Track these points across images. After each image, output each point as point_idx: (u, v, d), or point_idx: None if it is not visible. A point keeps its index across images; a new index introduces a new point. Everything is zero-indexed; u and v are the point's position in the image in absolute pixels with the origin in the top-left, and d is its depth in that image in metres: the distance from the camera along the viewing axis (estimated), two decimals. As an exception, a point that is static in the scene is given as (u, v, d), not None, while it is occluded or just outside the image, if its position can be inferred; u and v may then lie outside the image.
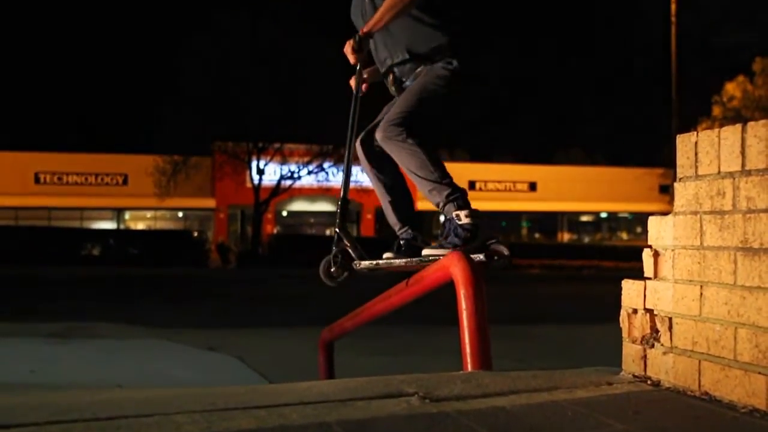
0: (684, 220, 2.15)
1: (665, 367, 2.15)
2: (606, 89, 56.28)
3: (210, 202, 36.99)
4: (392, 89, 3.47)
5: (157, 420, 1.72)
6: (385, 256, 3.30)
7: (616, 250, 33.20)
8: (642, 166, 40.13)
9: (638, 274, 2.33)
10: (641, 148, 41.94)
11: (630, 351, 2.31)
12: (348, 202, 3.46)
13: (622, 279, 2.40)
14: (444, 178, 3.16)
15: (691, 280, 2.10)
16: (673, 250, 2.18)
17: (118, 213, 37.79)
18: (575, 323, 9.30)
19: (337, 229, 3.37)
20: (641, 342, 2.26)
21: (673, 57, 24.19)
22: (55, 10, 56.49)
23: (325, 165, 30.37)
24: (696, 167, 2.13)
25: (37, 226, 30.99)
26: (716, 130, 2.07)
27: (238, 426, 1.67)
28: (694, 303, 2.07)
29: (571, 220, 46.11)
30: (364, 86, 3.56)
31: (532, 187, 42.62)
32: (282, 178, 30.13)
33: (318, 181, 31.22)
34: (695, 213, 2.11)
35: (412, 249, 3.27)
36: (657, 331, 2.21)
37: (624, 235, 46.43)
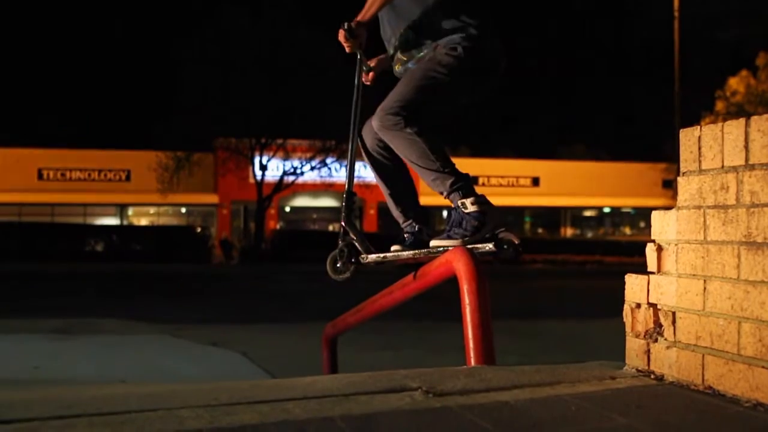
0: (687, 215, 2.14)
1: (669, 362, 2.15)
2: (609, 84, 56.15)
3: (213, 198, 37.02)
4: (397, 72, 3.31)
5: (161, 415, 1.72)
6: (393, 248, 3.23)
7: (620, 245, 33.20)
8: (645, 161, 40.09)
9: (642, 269, 2.33)
10: (644, 143, 41.93)
11: (633, 345, 2.31)
12: (353, 195, 3.39)
13: (626, 274, 2.40)
14: (446, 167, 3.04)
15: (694, 275, 2.09)
16: (676, 245, 2.18)
17: (121, 209, 37.83)
18: (578, 318, 9.30)
19: (342, 223, 3.32)
20: (645, 336, 2.26)
21: (676, 52, 24.12)
22: (58, 6, 56.48)
23: (328, 161, 30.37)
24: (699, 162, 2.13)
25: (41, 222, 31.02)
26: (720, 124, 2.07)
27: (242, 421, 1.67)
28: (697, 297, 2.07)
29: (574, 215, 46.07)
30: (370, 75, 3.45)
31: (535, 182, 42.62)
32: (285, 173, 30.14)
33: (321, 176, 31.21)
34: (699, 207, 2.10)
35: (418, 242, 3.20)
36: (660, 326, 2.21)
37: (627, 230, 46.41)
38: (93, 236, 27.26)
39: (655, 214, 2.30)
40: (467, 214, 2.98)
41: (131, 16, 56.01)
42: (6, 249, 23.15)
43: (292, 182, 30.89)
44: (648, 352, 2.24)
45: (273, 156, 29.95)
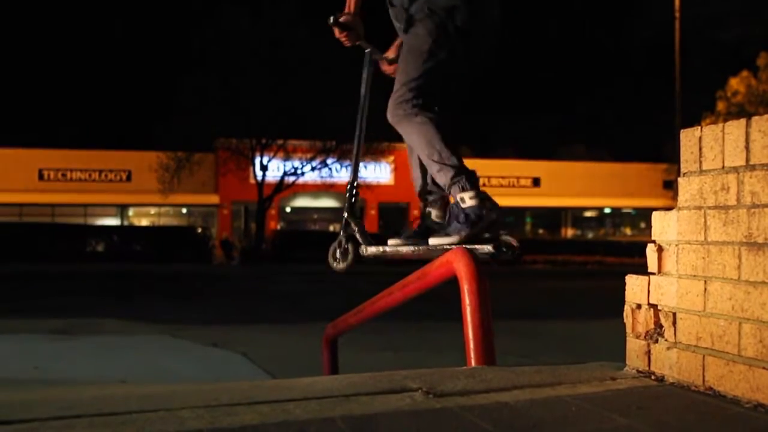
0: (688, 215, 2.14)
1: (669, 363, 2.15)
2: (609, 84, 56.19)
3: (213, 199, 37.04)
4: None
5: (161, 415, 1.72)
6: (390, 242, 3.17)
7: (620, 246, 33.21)
8: (646, 162, 40.14)
9: (642, 270, 2.33)
10: (645, 143, 41.99)
11: (634, 346, 2.31)
12: (357, 187, 3.33)
13: (626, 274, 2.39)
14: (450, 159, 2.93)
15: (695, 275, 2.09)
16: (677, 245, 2.18)
17: (121, 209, 37.87)
18: (579, 319, 9.30)
19: (345, 214, 3.27)
20: (645, 337, 2.26)
21: (677, 52, 24.14)
22: (59, 8, 56.50)
23: (329, 161, 30.39)
24: (700, 162, 2.12)
25: (41, 222, 31.04)
26: (720, 124, 2.06)
27: (242, 421, 1.67)
28: (698, 298, 2.07)
29: (574, 215, 46.11)
30: (385, 68, 3.37)
31: (536, 182, 42.65)
32: (285, 174, 30.17)
33: (321, 177, 31.23)
34: (699, 208, 2.10)
35: (424, 231, 3.13)
36: (661, 327, 2.21)
37: (628, 231, 46.45)
38: (94, 236, 27.27)
39: (655, 215, 2.30)
40: (464, 208, 2.90)
41: (131, 17, 56.04)
42: (6, 249, 23.15)
43: (293, 183, 30.92)
44: (648, 353, 2.24)
45: (273, 156, 29.98)
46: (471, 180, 2.95)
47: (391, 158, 31.37)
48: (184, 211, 39.43)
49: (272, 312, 10.54)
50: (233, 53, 27.02)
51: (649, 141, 41.15)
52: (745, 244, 1.92)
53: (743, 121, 1.97)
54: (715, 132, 2.07)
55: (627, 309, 2.35)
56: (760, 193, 1.89)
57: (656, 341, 2.21)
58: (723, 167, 2.03)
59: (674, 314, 2.15)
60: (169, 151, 29.12)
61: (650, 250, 2.28)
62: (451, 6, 2.93)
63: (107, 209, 37.52)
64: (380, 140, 28.18)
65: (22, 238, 25.27)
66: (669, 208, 2.26)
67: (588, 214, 47.13)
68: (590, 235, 45.30)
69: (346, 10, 3.11)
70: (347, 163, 30.48)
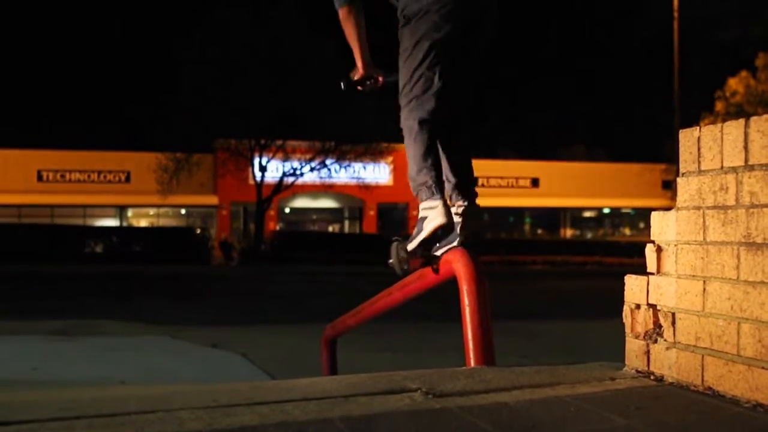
0: (687, 216, 2.14)
1: (668, 363, 2.15)
2: (609, 84, 56.23)
3: (212, 199, 37.02)
4: None
5: (160, 416, 1.72)
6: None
7: (619, 246, 33.20)
8: (644, 162, 40.13)
9: (641, 270, 2.33)
10: (644, 143, 42.00)
11: (633, 346, 2.31)
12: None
13: (625, 274, 2.39)
14: (424, 164, 2.81)
15: (694, 276, 2.09)
16: (676, 246, 2.18)
17: (120, 210, 37.84)
18: (578, 319, 9.30)
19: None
20: (644, 337, 2.26)
21: (676, 52, 24.15)
22: (58, 7, 56.50)
23: (328, 162, 30.38)
24: (699, 162, 2.13)
25: (40, 223, 31.03)
26: (719, 125, 2.07)
27: (241, 422, 1.67)
28: (697, 298, 2.07)
29: (573, 215, 46.11)
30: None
31: (535, 183, 42.64)
32: (284, 174, 30.15)
33: (320, 177, 31.22)
34: (698, 208, 2.10)
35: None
36: (660, 327, 2.21)
37: (627, 231, 46.46)
38: (93, 237, 27.27)
39: (654, 215, 2.30)
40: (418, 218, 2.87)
41: (131, 16, 56.05)
42: (5, 250, 23.13)
43: (292, 183, 30.91)
44: (648, 353, 2.24)
45: (272, 157, 29.96)
46: (435, 190, 2.83)
47: (390, 159, 31.38)
48: (183, 212, 39.41)
49: (271, 313, 10.54)
50: (233, 53, 27.00)
51: (648, 141, 41.18)
52: (744, 244, 1.92)
53: (742, 121, 1.97)
54: (714, 132, 2.07)
55: (626, 309, 2.35)
56: (758, 193, 1.89)
57: (655, 341, 2.21)
58: (722, 167, 2.03)
59: (673, 314, 2.15)
60: (168, 152, 29.10)
61: (649, 251, 2.28)
62: (423, 11, 2.86)
63: (106, 210, 37.50)
64: (378, 141, 28.22)
65: (21, 240, 25.26)
66: (668, 209, 2.26)
67: (587, 214, 47.14)
68: (589, 236, 45.31)
69: (355, 76, 3.13)
70: (346, 163, 30.51)
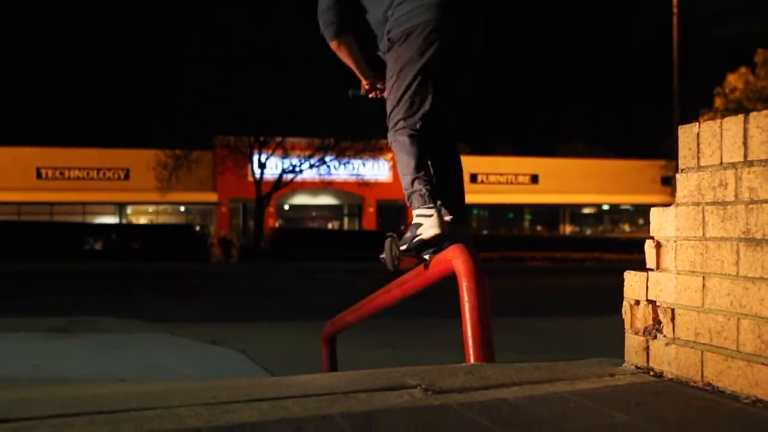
0: (686, 211, 2.14)
1: (668, 359, 2.15)
2: (608, 81, 56.20)
3: (212, 196, 37.01)
4: None
5: (160, 413, 1.72)
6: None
7: (618, 242, 33.23)
8: (644, 158, 40.16)
9: (640, 266, 2.33)
10: (643, 140, 41.99)
11: (632, 342, 2.31)
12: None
13: (625, 271, 2.39)
14: (417, 176, 2.91)
15: (693, 271, 2.09)
16: (675, 242, 2.18)
17: (120, 207, 37.84)
18: (577, 315, 9.30)
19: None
20: (644, 333, 2.26)
21: (675, 48, 24.15)
22: (58, 5, 56.43)
23: (327, 159, 30.35)
24: (698, 158, 2.12)
25: (40, 221, 31.01)
26: (718, 120, 2.06)
27: (241, 419, 1.67)
28: (696, 294, 2.07)
29: (573, 212, 46.14)
30: None
31: (534, 179, 42.63)
32: (284, 171, 30.13)
33: (320, 174, 31.20)
34: (697, 204, 2.10)
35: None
36: (659, 323, 2.21)
37: (626, 227, 46.50)
38: (92, 235, 27.26)
39: (653, 211, 2.30)
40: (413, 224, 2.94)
41: (131, 15, 55.97)
42: (5, 248, 23.12)
43: (291, 180, 30.91)
44: (647, 348, 2.24)
45: (272, 154, 29.94)
46: (426, 198, 2.92)
47: (389, 156, 31.35)
48: (183, 209, 39.40)
49: (271, 309, 10.54)
50: (232, 51, 26.95)
51: (647, 137, 41.18)
52: (744, 239, 1.92)
53: (741, 117, 1.97)
54: (713, 128, 2.07)
55: (625, 305, 2.35)
56: (758, 188, 1.89)
57: (655, 337, 2.21)
58: (721, 163, 2.03)
59: (673, 310, 2.15)
60: (167, 149, 29.07)
61: (648, 247, 2.28)
62: (407, 34, 2.88)
63: (105, 207, 37.49)
64: (378, 138, 28.19)
65: (20, 237, 25.25)
66: (667, 205, 2.26)
67: (586, 210, 47.17)
68: (588, 232, 45.34)
69: (362, 92, 3.28)
70: (345, 160, 30.48)
